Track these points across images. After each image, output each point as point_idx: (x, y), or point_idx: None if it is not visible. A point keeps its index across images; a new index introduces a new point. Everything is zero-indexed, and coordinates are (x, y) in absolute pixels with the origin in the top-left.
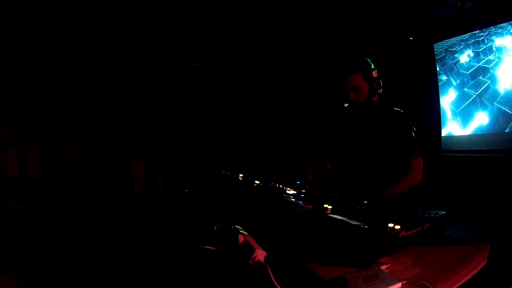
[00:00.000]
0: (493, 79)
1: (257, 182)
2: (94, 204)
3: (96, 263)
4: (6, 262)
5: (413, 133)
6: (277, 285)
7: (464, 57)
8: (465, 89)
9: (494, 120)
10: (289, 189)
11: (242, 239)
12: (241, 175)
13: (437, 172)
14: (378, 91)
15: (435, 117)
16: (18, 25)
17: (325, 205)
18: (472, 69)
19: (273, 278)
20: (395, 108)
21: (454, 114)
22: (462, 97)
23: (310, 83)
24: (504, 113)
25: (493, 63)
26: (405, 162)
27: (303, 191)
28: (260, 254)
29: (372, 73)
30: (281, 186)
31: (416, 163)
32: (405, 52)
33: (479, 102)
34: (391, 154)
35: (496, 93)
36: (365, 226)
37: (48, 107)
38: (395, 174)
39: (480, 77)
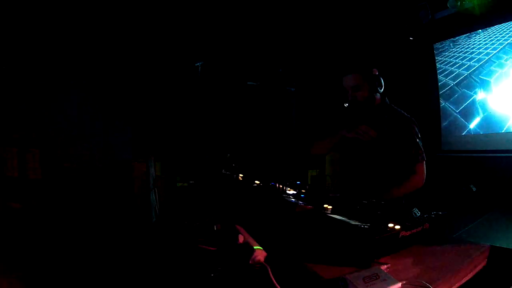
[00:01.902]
0: (493, 78)
1: (257, 182)
2: (94, 203)
3: (96, 263)
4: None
5: (417, 139)
6: (277, 285)
7: (464, 57)
8: (465, 89)
9: (494, 120)
10: (289, 189)
11: (242, 239)
12: (241, 175)
13: (437, 172)
14: (379, 91)
15: (435, 117)
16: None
17: (325, 205)
18: (472, 69)
19: (273, 278)
20: (399, 110)
21: (454, 114)
22: (462, 97)
23: (310, 83)
24: (504, 112)
25: (493, 63)
26: (408, 166)
27: (303, 191)
28: (260, 254)
29: (372, 73)
30: (281, 186)
31: (418, 168)
32: (405, 52)
33: (479, 102)
34: (393, 157)
35: (496, 93)
36: (365, 226)
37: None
38: (397, 177)
39: (480, 77)
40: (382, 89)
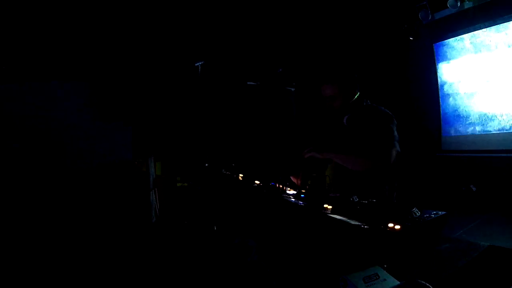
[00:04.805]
0: (493, 78)
1: (257, 182)
2: (94, 204)
3: (96, 262)
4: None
5: (390, 129)
6: (277, 285)
7: (464, 56)
8: (465, 88)
9: (494, 120)
10: (289, 189)
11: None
12: (241, 175)
13: (437, 172)
14: (353, 99)
15: (435, 117)
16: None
17: (325, 205)
18: (472, 69)
19: (273, 278)
20: (379, 108)
21: (454, 114)
22: (462, 97)
23: (307, 84)
24: (504, 112)
25: (493, 62)
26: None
27: (303, 191)
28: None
29: (346, 84)
30: (281, 186)
31: (388, 150)
32: (405, 52)
33: (478, 102)
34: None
35: (495, 92)
36: (365, 226)
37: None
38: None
39: (480, 76)
40: (356, 97)
